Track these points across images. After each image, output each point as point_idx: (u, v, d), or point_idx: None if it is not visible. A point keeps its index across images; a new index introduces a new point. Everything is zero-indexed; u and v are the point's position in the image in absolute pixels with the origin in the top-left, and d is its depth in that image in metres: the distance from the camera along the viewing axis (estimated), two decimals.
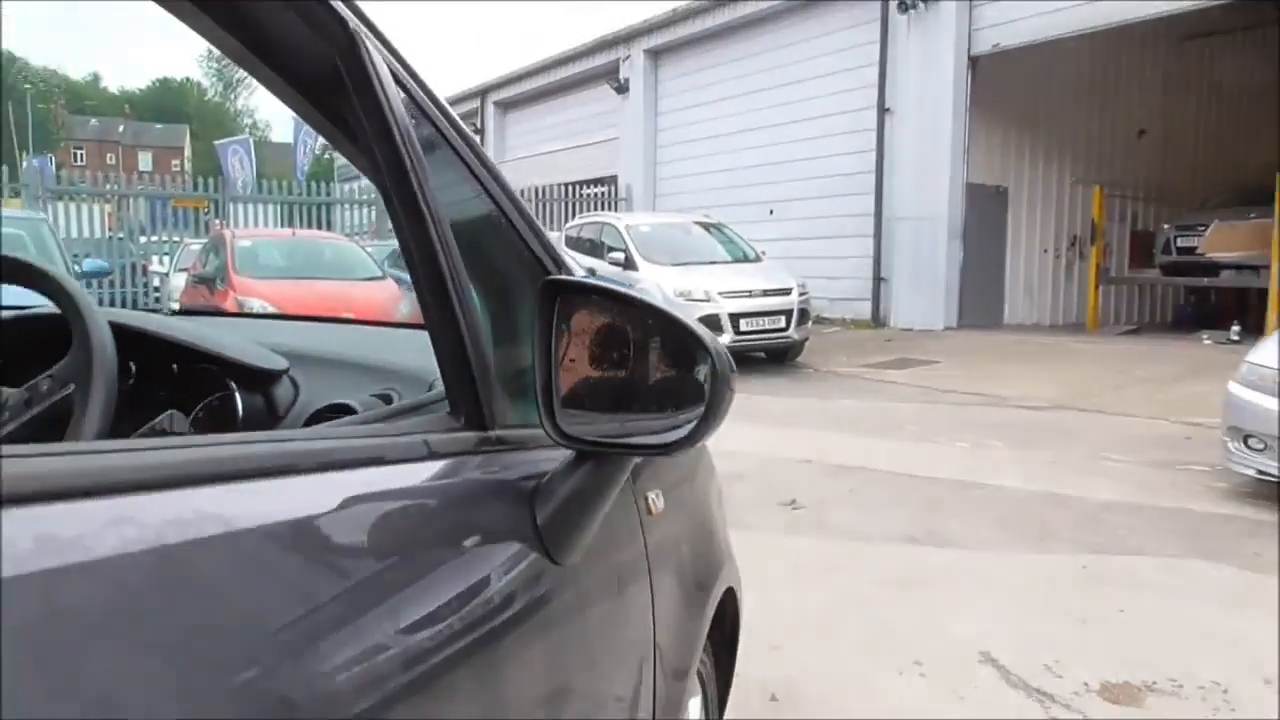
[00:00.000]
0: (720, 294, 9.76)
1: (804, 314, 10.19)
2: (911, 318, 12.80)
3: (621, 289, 0.99)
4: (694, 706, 1.74)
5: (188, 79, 76.40)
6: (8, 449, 0.51)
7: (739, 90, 15.94)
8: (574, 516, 0.98)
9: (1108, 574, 3.70)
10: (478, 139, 1.40)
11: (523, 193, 18.91)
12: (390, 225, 1.08)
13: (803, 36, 14.80)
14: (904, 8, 12.58)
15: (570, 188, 19.36)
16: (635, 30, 18.24)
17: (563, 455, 0.99)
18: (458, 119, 1.09)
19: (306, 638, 0.62)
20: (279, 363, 1.45)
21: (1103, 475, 5.32)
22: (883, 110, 13.35)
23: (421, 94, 1.01)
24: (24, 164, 25.40)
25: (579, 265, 8.96)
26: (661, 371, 0.97)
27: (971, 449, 6.07)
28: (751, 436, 6.28)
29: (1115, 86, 13.92)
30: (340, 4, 0.88)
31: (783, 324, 9.90)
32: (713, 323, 9.61)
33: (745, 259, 11.04)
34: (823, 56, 14.35)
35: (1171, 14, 10.70)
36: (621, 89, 18.72)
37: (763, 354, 10.48)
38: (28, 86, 56.26)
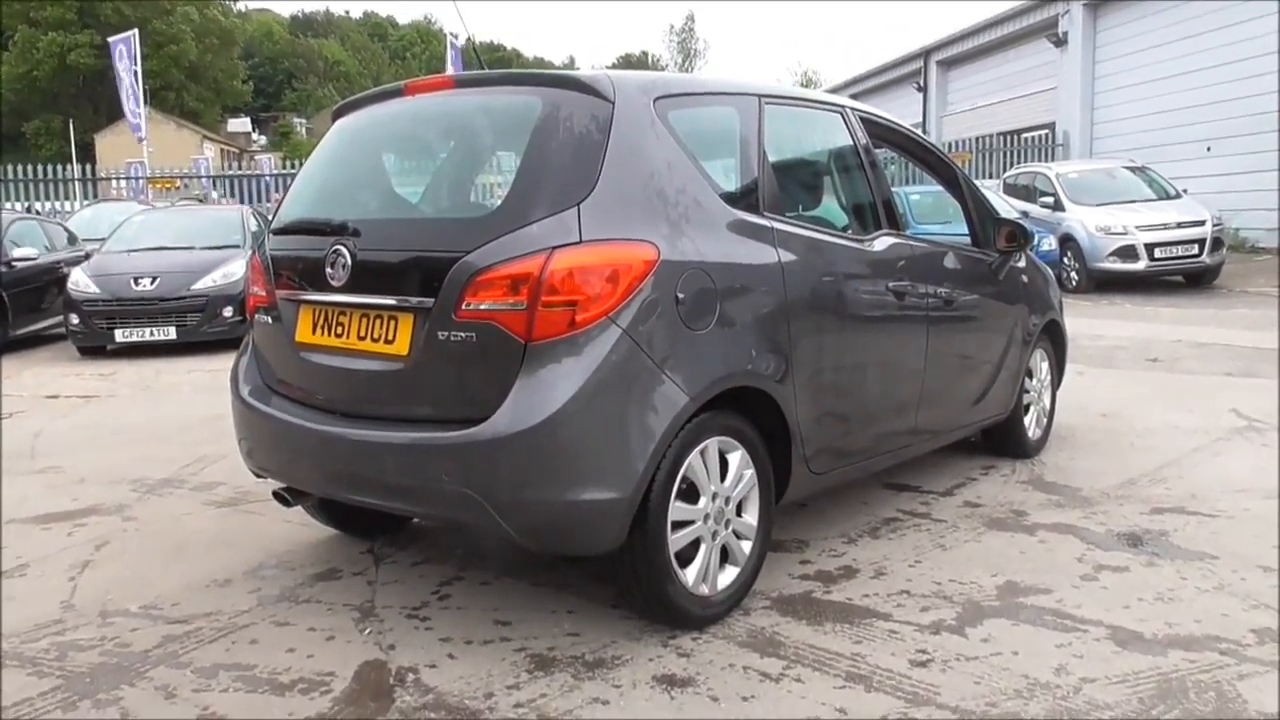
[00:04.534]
0: (1136, 227, 11.74)
1: (1218, 242, 11.81)
2: None
3: (1008, 218, 4.20)
4: (1044, 368, 4.80)
5: (645, 52, 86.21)
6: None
7: (1178, 34, 16.90)
8: (1003, 263, 4.23)
9: None
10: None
11: (964, 143, 21.21)
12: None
13: None
14: None
15: (1008, 137, 21.22)
16: None
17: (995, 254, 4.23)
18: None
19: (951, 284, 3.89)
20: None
21: None
22: None
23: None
24: None
25: (1014, 208, 12.42)
26: (1016, 235, 4.16)
27: None
28: (1141, 328, 8.73)
29: None
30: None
31: (1195, 251, 11.64)
32: (1129, 252, 11.69)
33: (1166, 196, 12.74)
34: None
35: None
36: (1059, 42, 20.18)
37: (1180, 278, 12.24)
38: None
